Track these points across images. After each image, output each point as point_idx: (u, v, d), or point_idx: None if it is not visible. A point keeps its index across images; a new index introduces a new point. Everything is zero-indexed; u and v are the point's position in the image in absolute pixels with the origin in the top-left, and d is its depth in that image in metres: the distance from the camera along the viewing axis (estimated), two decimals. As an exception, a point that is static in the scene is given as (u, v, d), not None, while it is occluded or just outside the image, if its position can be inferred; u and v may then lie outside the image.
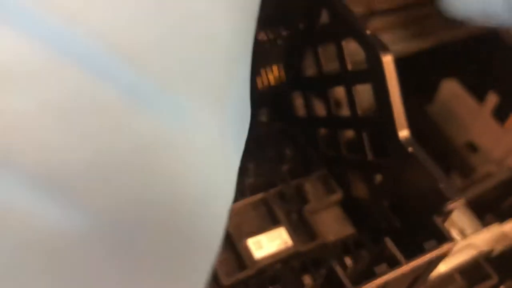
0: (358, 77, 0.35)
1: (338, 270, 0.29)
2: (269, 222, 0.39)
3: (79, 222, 0.12)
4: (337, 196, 0.40)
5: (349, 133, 0.39)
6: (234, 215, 0.38)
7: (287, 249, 0.37)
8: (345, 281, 0.28)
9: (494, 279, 0.38)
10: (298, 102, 0.44)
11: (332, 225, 0.40)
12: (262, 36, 0.37)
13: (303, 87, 0.42)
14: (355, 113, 0.36)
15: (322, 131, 0.42)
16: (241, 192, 0.41)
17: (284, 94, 0.43)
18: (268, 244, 0.37)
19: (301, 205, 0.40)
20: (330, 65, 0.39)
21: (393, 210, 0.36)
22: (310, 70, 0.41)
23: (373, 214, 0.38)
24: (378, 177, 0.36)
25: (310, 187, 0.41)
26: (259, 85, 0.41)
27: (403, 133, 0.33)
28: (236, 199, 0.40)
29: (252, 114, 0.45)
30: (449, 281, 0.39)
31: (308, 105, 0.42)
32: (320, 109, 0.42)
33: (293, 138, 0.44)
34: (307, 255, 0.37)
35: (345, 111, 0.39)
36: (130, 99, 0.13)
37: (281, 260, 0.37)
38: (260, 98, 0.42)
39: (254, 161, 0.42)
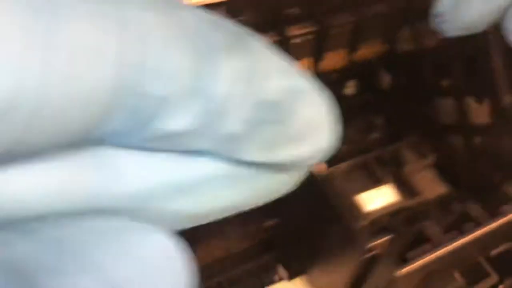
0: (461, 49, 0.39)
1: (432, 225, 0.31)
2: (373, 182, 0.43)
3: None
4: (431, 159, 0.44)
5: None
6: (340, 175, 0.42)
7: (393, 205, 0.41)
8: (437, 237, 0.31)
9: (494, 278, 0.39)
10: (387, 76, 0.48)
11: (428, 185, 0.44)
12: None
13: (395, 61, 0.46)
14: (458, 80, 0.40)
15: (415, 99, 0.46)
16: (338, 158, 0.45)
17: (374, 68, 0.47)
18: (376, 199, 0.41)
19: (398, 168, 0.44)
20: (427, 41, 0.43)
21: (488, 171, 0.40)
22: (405, 45, 0.45)
23: (467, 175, 0.42)
24: (477, 140, 0.40)
25: (405, 151, 0.45)
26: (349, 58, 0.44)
27: (508, 98, 0.37)
28: (337, 161, 0.44)
29: (339, 88, 0.49)
30: (449, 279, 0.40)
31: (399, 78, 0.46)
32: (413, 80, 0.45)
33: (380, 108, 0.48)
34: (411, 210, 0.41)
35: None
36: None
37: (389, 214, 0.41)
38: (348, 72, 0.46)
39: (346, 130, 0.46)
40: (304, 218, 0.36)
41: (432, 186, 0.43)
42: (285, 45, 0.39)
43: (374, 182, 0.43)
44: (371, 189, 0.42)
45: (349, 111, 0.48)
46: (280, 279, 0.40)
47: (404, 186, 0.43)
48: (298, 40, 0.39)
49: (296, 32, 0.39)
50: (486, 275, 0.39)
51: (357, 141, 0.46)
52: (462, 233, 0.30)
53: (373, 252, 0.28)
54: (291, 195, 0.36)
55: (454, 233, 0.30)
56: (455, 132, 0.42)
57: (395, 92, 0.47)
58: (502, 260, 0.39)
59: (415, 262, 0.28)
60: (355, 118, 0.48)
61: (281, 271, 0.41)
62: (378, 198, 0.41)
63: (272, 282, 0.40)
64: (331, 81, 0.45)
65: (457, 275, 0.39)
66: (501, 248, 0.39)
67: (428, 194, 0.43)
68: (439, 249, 0.29)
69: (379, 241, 0.28)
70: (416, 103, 0.46)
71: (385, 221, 0.40)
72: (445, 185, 0.44)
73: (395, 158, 0.45)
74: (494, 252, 0.39)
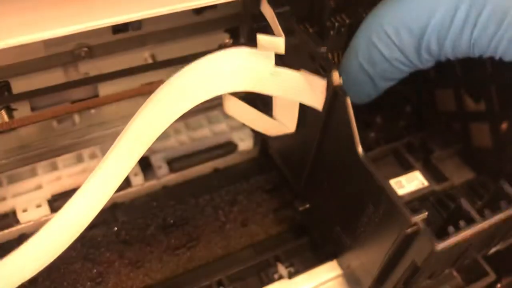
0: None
1: (467, 205, 0.32)
2: (404, 167, 0.44)
3: None
4: (457, 146, 0.46)
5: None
6: (372, 161, 0.44)
7: (424, 188, 0.43)
8: (473, 214, 0.32)
9: (492, 277, 0.39)
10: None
11: (455, 170, 0.45)
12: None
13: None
14: (485, 71, 0.42)
15: (441, 90, 0.48)
16: (367, 145, 0.46)
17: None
18: (407, 184, 0.43)
19: (427, 154, 0.45)
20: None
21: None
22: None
23: (493, 161, 0.43)
24: (504, 126, 0.42)
25: (433, 138, 0.47)
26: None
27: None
28: (368, 149, 0.45)
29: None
30: (447, 278, 0.40)
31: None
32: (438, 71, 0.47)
33: (407, 97, 0.50)
34: (441, 194, 0.43)
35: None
36: None
37: (419, 198, 0.42)
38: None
39: (377, 117, 0.48)
40: (339, 200, 0.37)
41: (459, 172, 0.45)
42: (322, 36, 0.41)
43: (404, 168, 0.44)
44: (401, 175, 0.43)
45: (378, 100, 0.49)
46: (280, 277, 0.41)
47: (433, 172, 0.44)
48: (332, 32, 0.41)
49: (330, 24, 0.41)
50: (484, 273, 0.39)
51: (386, 129, 0.48)
52: (496, 210, 0.31)
53: (415, 227, 0.30)
54: (324, 179, 0.36)
55: (488, 212, 0.32)
56: (481, 119, 0.44)
57: (422, 82, 0.49)
58: (499, 259, 0.40)
59: (453, 237, 0.29)
60: (383, 106, 0.49)
61: (281, 269, 0.42)
62: (408, 184, 0.43)
63: (272, 280, 0.41)
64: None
65: (455, 273, 0.40)
66: (499, 247, 0.39)
67: (456, 180, 0.44)
68: (477, 224, 0.30)
69: (419, 217, 0.29)
70: (441, 92, 0.48)
71: (415, 205, 0.42)
72: (471, 171, 0.45)
73: (424, 145, 0.46)
74: (492, 250, 0.39)
